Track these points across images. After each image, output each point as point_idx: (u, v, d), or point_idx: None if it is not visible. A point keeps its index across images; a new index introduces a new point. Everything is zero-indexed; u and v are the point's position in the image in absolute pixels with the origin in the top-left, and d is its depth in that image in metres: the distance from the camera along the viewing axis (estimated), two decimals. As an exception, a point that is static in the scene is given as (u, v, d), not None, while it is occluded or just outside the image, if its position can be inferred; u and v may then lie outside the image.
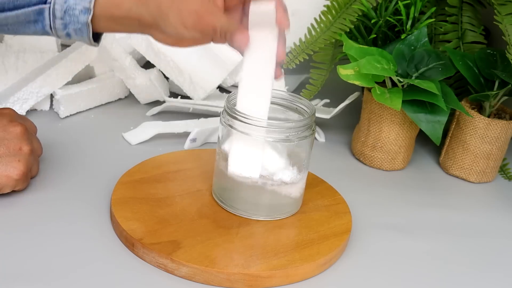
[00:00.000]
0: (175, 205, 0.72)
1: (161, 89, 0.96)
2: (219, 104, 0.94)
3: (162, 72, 0.98)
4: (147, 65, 1.00)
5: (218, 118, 0.89)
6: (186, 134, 0.89)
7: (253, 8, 0.68)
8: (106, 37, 0.93)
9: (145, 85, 0.96)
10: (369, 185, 0.87)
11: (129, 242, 0.67)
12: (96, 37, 0.72)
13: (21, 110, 0.89)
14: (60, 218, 0.71)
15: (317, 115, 0.95)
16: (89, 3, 0.68)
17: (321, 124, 0.99)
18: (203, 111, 0.96)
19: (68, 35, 0.70)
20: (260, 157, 0.70)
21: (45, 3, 0.69)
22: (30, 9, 0.69)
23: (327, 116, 0.96)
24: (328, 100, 1.02)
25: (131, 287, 0.63)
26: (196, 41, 0.70)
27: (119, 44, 0.96)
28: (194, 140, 0.89)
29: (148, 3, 0.69)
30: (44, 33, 0.71)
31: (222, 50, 0.97)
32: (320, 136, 0.97)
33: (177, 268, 0.64)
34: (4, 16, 0.69)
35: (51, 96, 0.93)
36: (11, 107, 0.87)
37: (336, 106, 0.98)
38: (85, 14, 0.68)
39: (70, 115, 0.93)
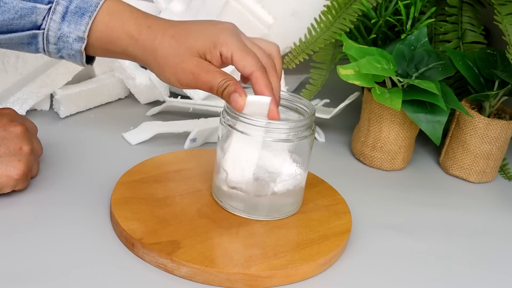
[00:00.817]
0: (175, 205, 0.72)
1: (161, 89, 0.96)
2: (219, 104, 0.94)
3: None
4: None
5: (218, 118, 0.90)
6: (186, 134, 0.89)
7: (250, 98, 0.68)
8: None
9: (145, 85, 0.96)
10: (369, 185, 0.87)
11: (129, 242, 0.67)
12: (90, 59, 0.73)
13: (21, 110, 0.89)
14: (60, 218, 0.71)
15: (317, 115, 0.95)
16: (83, 32, 0.69)
17: (321, 124, 0.99)
18: (203, 111, 0.96)
19: (61, 57, 0.71)
20: (258, 156, 0.70)
21: (38, 29, 0.69)
22: (24, 33, 0.69)
23: (327, 116, 0.96)
24: (328, 100, 1.02)
25: (131, 287, 0.63)
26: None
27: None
28: (194, 140, 0.89)
29: (145, 50, 0.69)
30: (38, 52, 0.71)
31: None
32: (320, 136, 0.97)
33: (177, 268, 0.64)
34: None
35: (51, 96, 0.93)
36: (11, 107, 0.87)
37: (336, 106, 0.98)
38: (79, 43, 0.69)
39: (70, 115, 0.93)
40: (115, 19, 0.69)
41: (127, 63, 0.96)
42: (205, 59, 0.68)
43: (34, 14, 0.68)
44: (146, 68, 0.98)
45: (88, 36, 0.69)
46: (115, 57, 0.73)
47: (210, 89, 0.68)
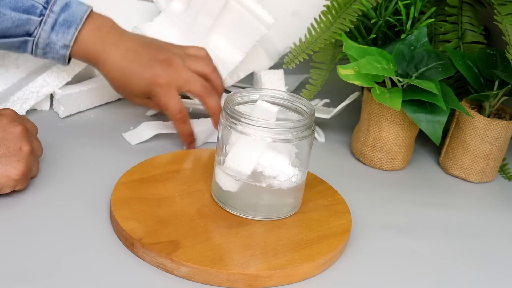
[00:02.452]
0: (175, 205, 0.72)
1: None
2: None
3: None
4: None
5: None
6: None
7: (259, 103, 0.72)
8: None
9: None
10: (369, 185, 0.87)
11: (128, 242, 0.67)
12: (69, 59, 0.85)
13: (21, 110, 0.89)
14: (60, 218, 0.71)
15: (317, 115, 0.95)
16: (69, 41, 0.81)
17: (321, 124, 0.99)
18: (201, 111, 0.96)
19: (46, 58, 0.84)
20: (257, 156, 0.70)
21: (30, 36, 0.81)
22: (17, 39, 0.81)
23: (327, 116, 0.96)
24: (328, 100, 1.02)
25: (131, 287, 0.63)
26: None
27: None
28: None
29: (107, 76, 0.85)
30: (24, 53, 0.83)
31: (223, 50, 0.97)
32: (320, 136, 0.97)
33: (176, 268, 0.64)
34: None
35: (51, 96, 0.93)
36: (11, 107, 0.87)
37: (336, 106, 0.98)
38: (65, 49, 0.82)
39: (70, 115, 0.93)
40: (93, 29, 0.83)
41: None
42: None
43: (28, 24, 0.80)
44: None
45: (72, 47, 0.82)
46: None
47: (165, 109, 0.85)
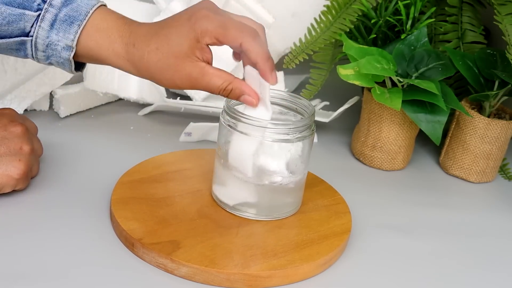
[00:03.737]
0: (175, 205, 0.72)
1: (157, 94, 0.96)
2: (214, 104, 0.94)
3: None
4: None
5: (215, 116, 0.90)
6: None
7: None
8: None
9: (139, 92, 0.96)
10: (369, 185, 0.87)
11: (129, 242, 0.67)
12: (81, 65, 0.73)
13: (19, 108, 0.88)
14: (60, 218, 0.71)
15: (316, 118, 0.95)
16: (72, 41, 0.68)
17: (320, 125, 0.99)
18: (198, 111, 0.96)
19: (51, 64, 0.71)
20: (257, 156, 0.70)
21: (27, 36, 0.68)
22: (12, 40, 0.68)
23: (326, 120, 0.96)
24: (327, 103, 1.02)
25: (131, 287, 0.63)
26: None
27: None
28: (189, 134, 0.89)
29: (138, 68, 0.69)
30: (27, 58, 0.71)
31: (223, 49, 0.97)
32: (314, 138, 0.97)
33: (176, 268, 0.64)
34: None
35: (51, 96, 0.93)
36: (8, 105, 0.87)
37: (335, 107, 0.98)
38: (67, 51, 0.69)
39: (70, 115, 0.93)
40: (103, 37, 0.69)
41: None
42: (196, 57, 0.67)
43: (22, 21, 0.67)
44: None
45: (77, 48, 0.69)
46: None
47: (211, 92, 0.69)
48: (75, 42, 0.68)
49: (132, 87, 0.96)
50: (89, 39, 0.69)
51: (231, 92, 0.68)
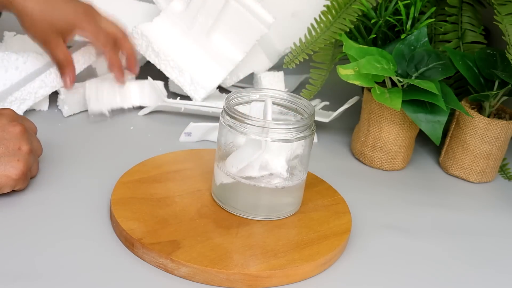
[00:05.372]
0: (175, 205, 0.72)
1: (156, 97, 0.96)
2: (214, 104, 0.94)
3: (163, 71, 0.98)
4: (148, 64, 1.00)
5: (215, 117, 0.90)
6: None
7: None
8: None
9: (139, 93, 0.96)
10: (369, 185, 0.87)
11: (128, 242, 0.67)
12: None
13: (19, 110, 0.88)
14: (60, 218, 0.71)
15: (315, 118, 0.95)
16: None
17: (320, 125, 0.99)
18: (195, 111, 0.96)
19: None
20: (257, 156, 0.70)
21: None
22: None
23: (326, 120, 0.96)
24: (327, 103, 1.02)
25: (131, 287, 0.63)
26: None
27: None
28: (189, 134, 0.89)
29: (18, 11, 0.85)
30: None
31: (223, 49, 0.97)
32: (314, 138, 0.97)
33: (176, 268, 0.64)
34: None
35: (56, 95, 0.93)
36: (8, 107, 0.87)
37: (336, 107, 0.98)
38: None
39: (73, 114, 0.93)
40: None
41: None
42: (62, 35, 0.87)
43: None
44: (147, 68, 0.98)
45: None
46: None
47: (52, 59, 0.88)
48: None
49: (133, 94, 0.96)
50: None
51: (62, 68, 0.89)
